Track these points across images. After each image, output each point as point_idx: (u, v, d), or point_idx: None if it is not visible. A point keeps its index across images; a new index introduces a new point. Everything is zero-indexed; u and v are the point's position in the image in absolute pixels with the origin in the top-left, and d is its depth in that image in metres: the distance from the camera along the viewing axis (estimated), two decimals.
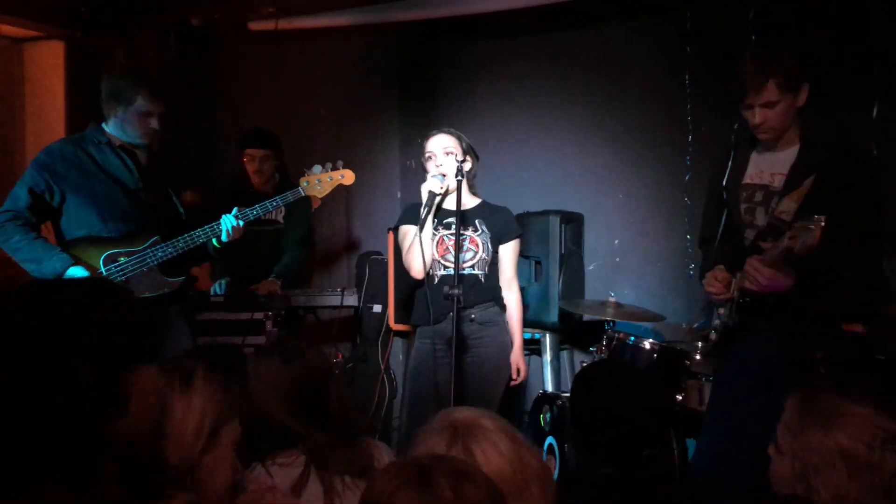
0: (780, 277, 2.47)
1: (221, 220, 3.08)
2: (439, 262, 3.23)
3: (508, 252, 3.33)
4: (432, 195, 3.15)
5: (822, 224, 2.26)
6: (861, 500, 1.40)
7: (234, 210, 3.12)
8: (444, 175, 3.19)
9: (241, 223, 3.11)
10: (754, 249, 2.61)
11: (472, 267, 3.23)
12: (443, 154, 3.23)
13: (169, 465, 1.46)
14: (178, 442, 1.49)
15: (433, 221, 3.23)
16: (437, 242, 3.24)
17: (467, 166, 3.25)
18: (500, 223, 3.30)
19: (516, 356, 3.29)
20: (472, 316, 3.19)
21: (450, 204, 3.26)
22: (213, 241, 3.13)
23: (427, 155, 3.27)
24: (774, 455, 1.61)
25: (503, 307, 3.30)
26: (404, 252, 3.27)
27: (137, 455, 1.30)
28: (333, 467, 1.95)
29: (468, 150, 3.29)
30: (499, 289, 3.31)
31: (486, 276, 3.25)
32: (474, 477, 1.19)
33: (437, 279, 3.22)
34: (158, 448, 1.42)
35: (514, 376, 3.29)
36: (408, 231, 3.27)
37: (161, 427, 1.42)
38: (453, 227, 3.20)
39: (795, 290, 2.48)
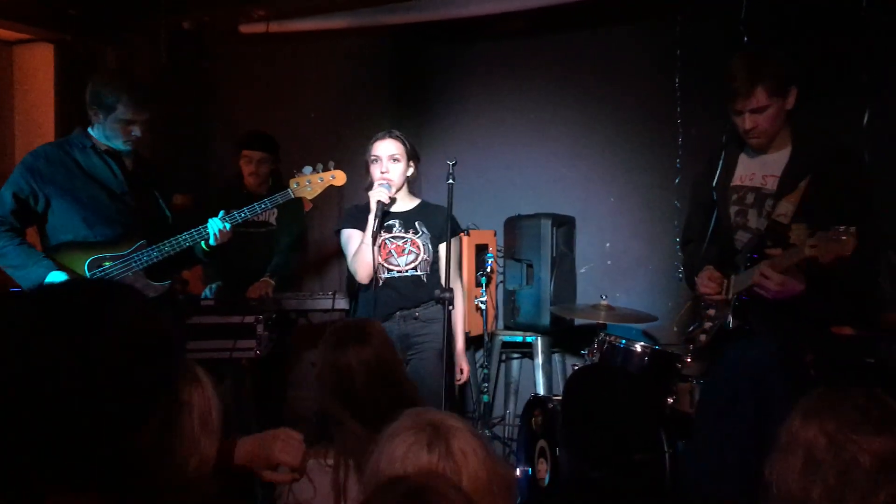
0: (792, 283, 2.47)
1: (208, 224, 3.07)
2: (383, 265, 3.33)
3: (448, 251, 3.37)
4: (380, 205, 3.25)
5: (854, 234, 2.25)
6: (802, 495, 1.40)
7: (221, 213, 3.10)
8: (389, 182, 3.28)
9: (229, 226, 3.09)
10: (758, 253, 2.60)
11: (415, 268, 3.35)
12: (389, 160, 3.31)
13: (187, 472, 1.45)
14: (194, 446, 1.47)
15: (378, 226, 3.32)
16: (380, 247, 3.32)
17: (410, 170, 3.37)
18: (439, 223, 3.35)
19: (460, 356, 3.42)
20: (416, 314, 3.32)
21: (395, 206, 3.38)
22: (202, 244, 3.11)
23: (373, 157, 3.33)
24: None
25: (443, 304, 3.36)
26: (350, 257, 3.37)
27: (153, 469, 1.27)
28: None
29: (412, 155, 3.38)
30: (436, 289, 3.33)
31: (427, 276, 3.35)
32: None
33: (381, 282, 3.32)
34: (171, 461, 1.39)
35: (458, 375, 3.42)
36: (351, 235, 3.38)
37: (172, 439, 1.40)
38: (394, 230, 3.35)
39: (806, 295, 2.48)
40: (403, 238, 3.35)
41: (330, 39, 5.03)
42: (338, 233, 3.48)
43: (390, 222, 3.36)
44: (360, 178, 3.75)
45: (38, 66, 4.76)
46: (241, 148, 4.22)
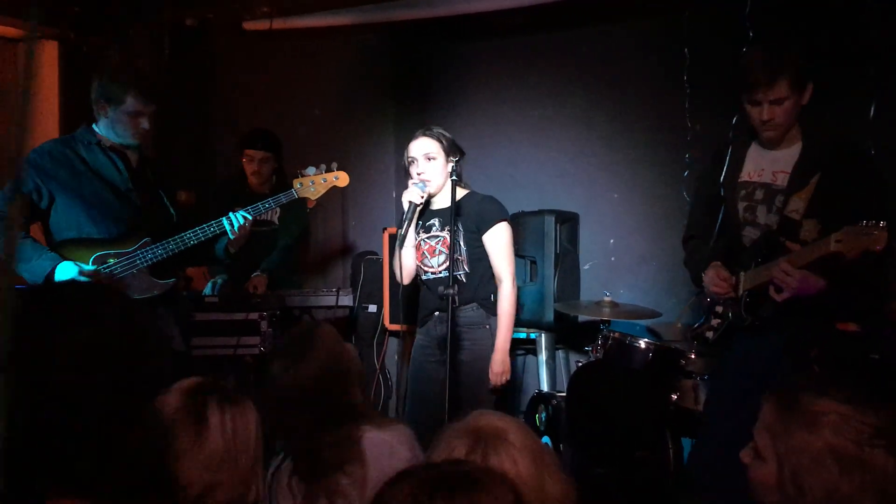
0: (813, 279, 2.45)
1: (230, 217, 3.05)
2: (420, 267, 3.25)
3: (491, 241, 3.21)
4: (413, 206, 3.15)
5: (884, 228, 2.21)
6: (852, 495, 1.38)
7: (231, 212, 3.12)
8: (425, 183, 3.16)
9: (250, 216, 3.10)
10: (770, 246, 2.59)
11: (447, 269, 3.12)
12: (424, 160, 3.20)
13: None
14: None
15: (416, 226, 3.23)
16: (417, 248, 3.25)
17: (450, 166, 3.18)
18: (475, 214, 3.20)
19: (497, 358, 3.15)
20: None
21: (435, 204, 3.27)
22: (223, 247, 3.16)
23: (409, 159, 3.25)
24: (752, 461, 1.56)
25: (489, 308, 3.23)
26: (391, 258, 3.29)
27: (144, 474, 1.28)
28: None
29: (450, 149, 3.23)
30: (483, 289, 3.23)
31: (467, 275, 3.18)
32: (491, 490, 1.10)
33: (421, 284, 3.27)
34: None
35: (493, 380, 3.15)
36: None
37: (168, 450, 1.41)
38: (432, 230, 3.23)
39: (827, 291, 2.46)
40: (437, 237, 3.22)
41: (333, 36, 5.02)
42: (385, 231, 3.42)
43: (430, 221, 3.25)
44: (363, 176, 3.75)
45: (43, 63, 4.75)
46: (244, 147, 4.22)
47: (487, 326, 3.20)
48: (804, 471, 1.43)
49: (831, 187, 2.51)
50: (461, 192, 3.23)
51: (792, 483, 1.44)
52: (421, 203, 3.18)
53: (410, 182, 3.21)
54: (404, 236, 3.15)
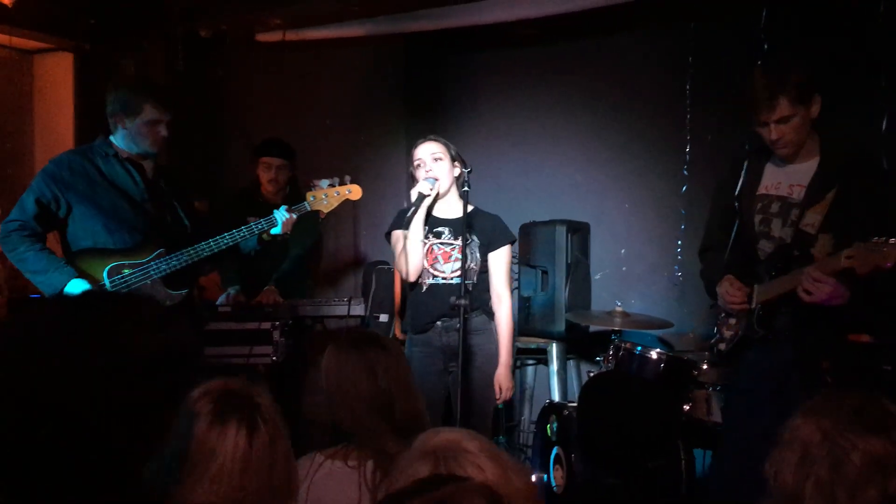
0: (842, 287, 2.44)
1: (275, 213, 3.15)
2: (428, 270, 3.25)
3: (498, 260, 3.30)
4: (421, 196, 3.17)
5: (894, 245, 2.23)
6: (796, 487, 1.42)
7: (283, 207, 3.20)
8: (435, 179, 3.20)
9: (296, 216, 3.16)
10: (784, 259, 2.59)
11: (458, 277, 3.19)
12: (431, 160, 3.24)
13: None
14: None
15: (424, 229, 3.24)
16: (427, 251, 3.25)
17: (456, 172, 3.27)
18: (488, 230, 3.28)
19: (500, 374, 3.21)
20: (458, 326, 3.08)
21: (441, 212, 3.30)
22: (251, 245, 3.22)
23: (416, 163, 3.28)
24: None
25: (491, 315, 3.28)
26: (396, 256, 3.28)
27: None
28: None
29: (456, 157, 3.30)
30: (484, 297, 3.28)
31: (473, 284, 3.21)
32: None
33: (424, 287, 3.24)
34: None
35: (497, 395, 3.21)
36: (399, 236, 3.28)
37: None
38: (443, 236, 3.26)
39: (850, 302, 2.46)
40: (451, 245, 3.25)
41: (345, 48, 5.05)
42: (388, 236, 3.39)
43: (440, 229, 3.27)
44: (375, 185, 3.76)
45: (58, 74, 4.81)
46: (260, 155, 4.23)
47: (490, 332, 3.26)
48: (778, 446, 1.49)
49: (847, 202, 2.51)
50: (468, 208, 3.30)
51: (770, 457, 1.49)
52: (429, 195, 3.20)
53: (420, 180, 3.24)
54: (410, 219, 3.16)
